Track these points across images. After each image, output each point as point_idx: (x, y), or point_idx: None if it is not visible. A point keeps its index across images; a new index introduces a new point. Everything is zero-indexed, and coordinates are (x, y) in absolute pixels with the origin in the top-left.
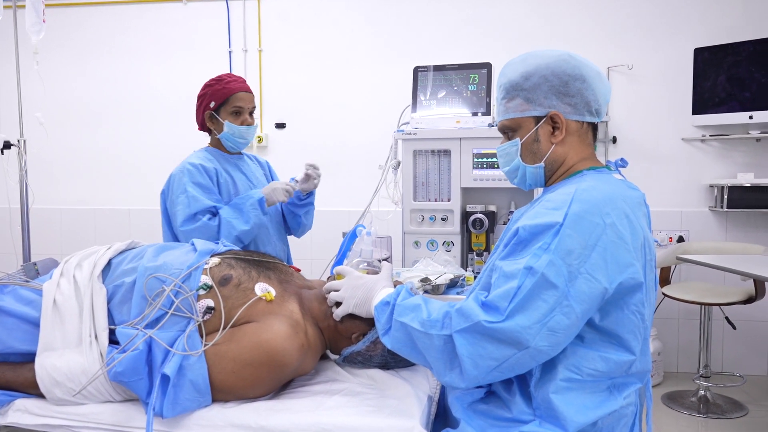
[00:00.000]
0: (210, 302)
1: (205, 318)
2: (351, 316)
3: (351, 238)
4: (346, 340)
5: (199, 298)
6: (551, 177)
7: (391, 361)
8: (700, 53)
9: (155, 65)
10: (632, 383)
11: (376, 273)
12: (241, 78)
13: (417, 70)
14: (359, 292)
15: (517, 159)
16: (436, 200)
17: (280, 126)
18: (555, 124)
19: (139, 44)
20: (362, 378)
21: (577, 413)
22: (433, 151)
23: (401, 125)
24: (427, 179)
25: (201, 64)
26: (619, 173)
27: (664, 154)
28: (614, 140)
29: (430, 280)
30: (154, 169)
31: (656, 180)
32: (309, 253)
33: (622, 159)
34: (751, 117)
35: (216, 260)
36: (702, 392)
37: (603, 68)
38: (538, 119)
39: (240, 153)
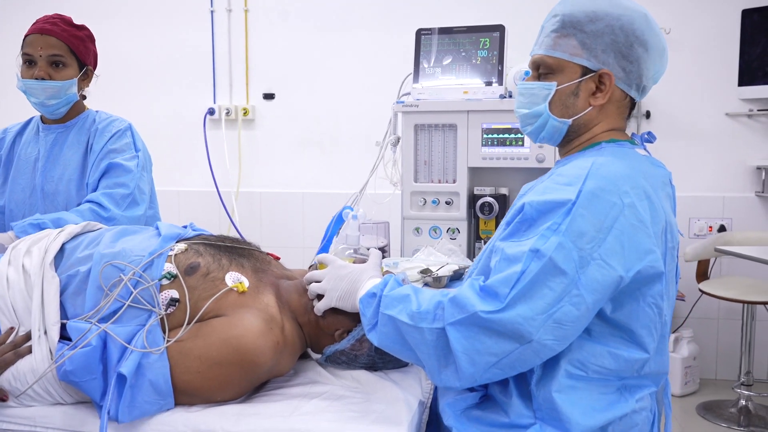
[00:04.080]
0: (174, 293)
1: (168, 311)
2: (334, 311)
3: (337, 222)
4: (328, 338)
5: (162, 288)
6: (571, 143)
7: (379, 362)
8: (748, 16)
9: (127, 26)
10: (646, 386)
11: (364, 261)
12: (53, 17)
13: (420, 34)
14: (343, 283)
15: (544, 105)
16: (439, 181)
17: (269, 97)
18: (601, 85)
19: (111, 4)
20: (346, 380)
21: (583, 415)
22: (437, 126)
23: (401, 96)
24: (431, 158)
25: (180, 26)
26: (644, 148)
27: (705, 131)
28: (648, 115)
29: (431, 272)
30: None
31: (695, 161)
32: (300, 241)
33: (649, 133)
34: None
35: (182, 246)
36: (743, 402)
37: None
38: (586, 71)
39: (59, 120)
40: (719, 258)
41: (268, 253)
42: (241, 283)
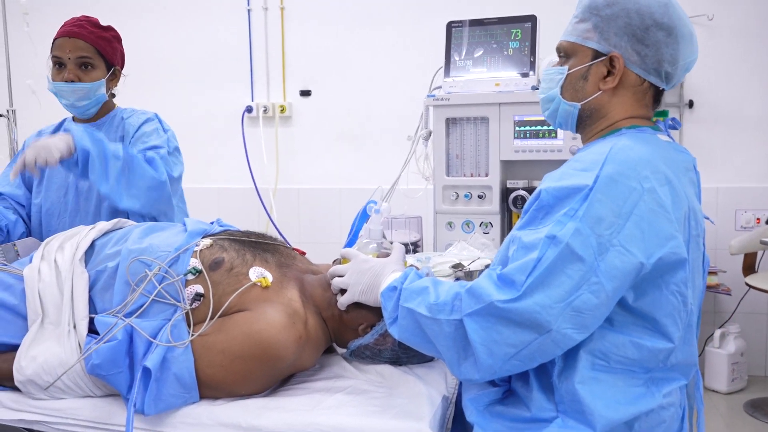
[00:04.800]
0: (199, 288)
1: (193, 306)
2: (357, 305)
3: (362, 217)
4: (352, 332)
5: (187, 283)
6: (589, 129)
7: (403, 356)
8: None
9: (164, 25)
10: (674, 379)
11: (387, 255)
12: (80, 19)
13: (450, 26)
14: (365, 277)
15: (557, 89)
16: (472, 175)
17: (305, 93)
18: (611, 69)
19: (148, 3)
20: (371, 374)
21: (607, 408)
22: (468, 119)
23: (433, 90)
24: (462, 151)
25: (216, 24)
26: (668, 135)
27: (751, 119)
28: (690, 104)
29: (462, 266)
30: None
31: (741, 150)
32: (337, 236)
33: (673, 119)
34: None
35: (208, 242)
36: None
37: None
38: (597, 55)
39: (90, 120)
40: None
41: (294, 248)
42: (264, 278)
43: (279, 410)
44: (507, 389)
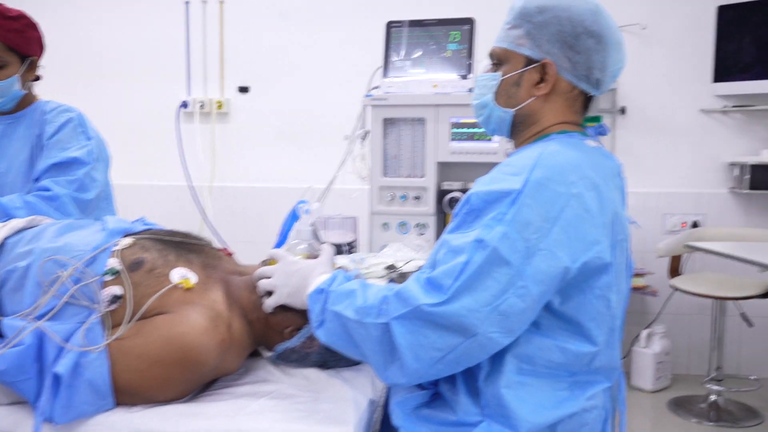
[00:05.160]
0: (117, 290)
1: (110, 308)
2: (284, 308)
3: (292, 217)
4: (279, 335)
5: (105, 285)
6: (521, 134)
7: (331, 360)
8: (724, 12)
9: (99, 17)
10: (598, 382)
11: (317, 257)
12: None
13: (390, 26)
14: (293, 279)
15: (490, 95)
16: (408, 176)
17: (244, 90)
18: (544, 75)
19: None
20: (297, 378)
21: (532, 412)
22: (405, 120)
23: (371, 90)
24: (399, 152)
25: (152, 16)
26: (597, 140)
27: (680, 127)
28: (623, 111)
29: (395, 267)
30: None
31: (670, 157)
32: (275, 236)
33: (602, 125)
34: None
35: (128, 241)
36: (713, 398)
37: None
38: (529, 61)
39: (8, 113)
40: (693, 254)
41: (220, 249)
42: (187, 279)
43: (199, 417)
44: (434, 392)
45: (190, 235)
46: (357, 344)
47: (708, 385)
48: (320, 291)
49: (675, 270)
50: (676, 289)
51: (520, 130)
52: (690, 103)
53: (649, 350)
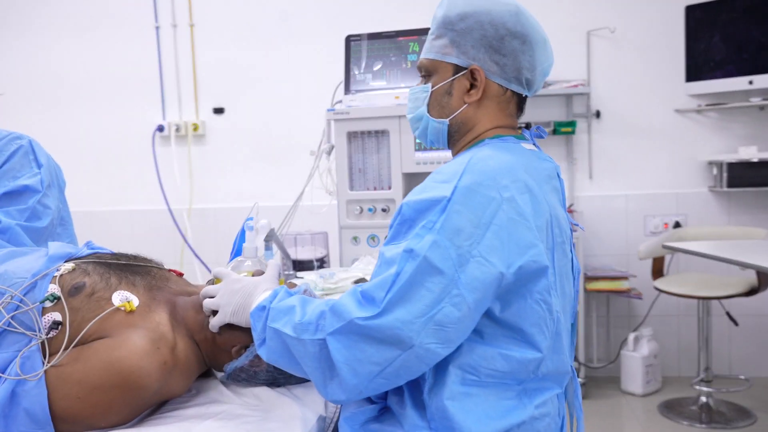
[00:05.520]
0: (57, 316)
1: (50, 335)
2: (230, 326)
3: (242, 235)
4: (227, 354)
5: (44, 311)
6: (458, 143)
7: (280, 377)
8: (692, 12)
9: (71, 43)
10: (548, 388)
11: (262, 273)
12: None
13: (349, 40)
14: (236, 297)
15: (424, 107)
16: (375, 189)
17: (218, 111)
18: (474, 81)
19: (53, 22)
20: (248, 398)
21: (477, 423)
22: (369, 133)
23: (335, 104)
24: (365, 165)
25: (124, 41)
26: (534, 143)
27: (656, 128)
28: (598, 114)
29: (365, 280)
30: (64, 159)
31: (648, 158)
32: None
33: (538, 127)
34: (751, 82)
35: (70, 266)
36: (703, 399)
37: (582, 33)
38: (457, 69)
39: None
40: (676, 255)
41: (170, 270)
42: (129, 302)
43: None
44: (383, 406)
45: (137, 257)
46: (297, 361)
47: (697, 387)
48: (262, 308)
49: (658, 272)
50: (660, 291)
51: (457, 139)
52: (664, 103)
53: (637, 354)
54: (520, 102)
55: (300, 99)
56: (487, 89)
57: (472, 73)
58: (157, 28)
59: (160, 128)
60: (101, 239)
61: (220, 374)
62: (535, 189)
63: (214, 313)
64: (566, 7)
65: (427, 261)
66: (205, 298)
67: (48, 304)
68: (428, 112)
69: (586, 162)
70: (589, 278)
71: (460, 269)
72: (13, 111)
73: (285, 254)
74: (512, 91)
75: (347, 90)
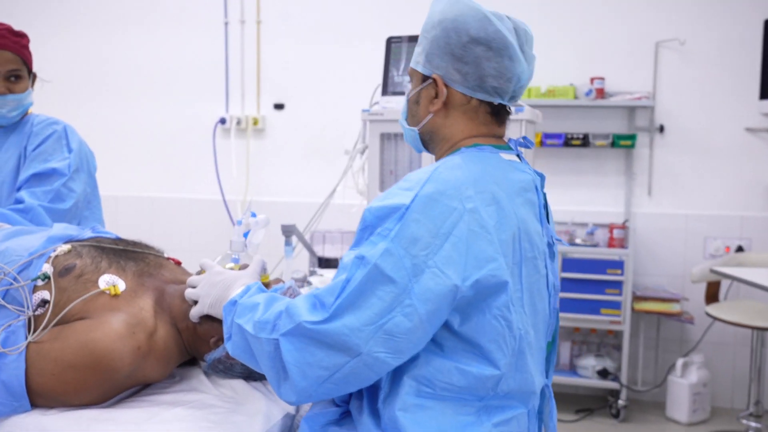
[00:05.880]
0: (46, 295)
1: (37, 312)
2: (210, 318)
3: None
4: (206, 345)
5: (36, 289)
6: (436, 151)
7: (255, 372)
8: None
9: (143, 39)
10: (511, 407)
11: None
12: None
13: (390, 42)
14: (215, 289)
15: (403, 115)
16: None
17: (279, 107)
18: (436, 90)
19: (126, 15)
20: (225, 389)
21: None
22: (401, 134)
23: (372, 105)
24: (396, 167)
25: (194, 37)
26: (518, 154)
27: (723, 146)
28: (661, 129)
29: None
30: (141, 151)
31: (712, 177)
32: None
33: (525, 137)
34: None
35: (66, 247)
36: None
37: (650, 43)
38: (425, 78)
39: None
40: (736, 281)
41: (169, 258)
42: (114, 285)
43: (108, 422)
44: (346, 410)
45: (139, 243)
46: (257, 359)
47: (745, 421)
48: (233, 303)
49: (712, 296)
50: (712, 317)
51: (433, 148)
52: (734, 121)
53: (685, 380)
54: (498, 110)
55: (350, 98)
56: (450, 98)
57: (434, 81)
58: (226, 23)
59: (222, 121)
60: (160, 224)
61: (203, 363)
62: (503, 201)
63: (196, 303)
64: (634, 17)
65: (378, 269)
66: (189, 287)
67: (39, 282)
68: (406, 119)
69: (645, 178)
70: (637, 298)
71: (414, 279)
72: (84, 101)
73: (309, 250)
74: (478, 99)
75: (384, 91)
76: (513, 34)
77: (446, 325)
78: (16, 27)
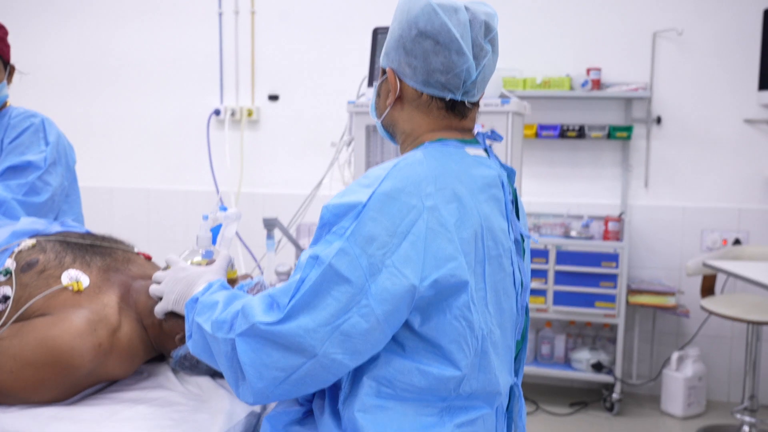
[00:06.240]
0: (7, 290)
1: None
2: (175, 314)
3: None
4: (172, 341)
5: None
6: (402, 145)
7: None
8: None
9: (138, 30)
10: (475, 407)
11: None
12: None
13: (376, 33)
14: (179, 286)
15: (371, 106)
16: None
17: (273, 98)
18: (390, 84)
19: (120, 7)
20: (191, 386)
21: None
22: None
23: (359, 96)
24: (382, 159)
25: (188, 27)
26: (486, 148)
27: (721, 138)
28: (658, 120)
29: None
30: (135, 142)
31: (710, 169)
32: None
33: (493, 131)
34: None
35: (31, 242)
36: (746, 429)
37: (647, 34)
38: (383, 71)
39: None
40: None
41: (139, 253)
42: (77, 281)
43: (68, 421)
44: (309, 409)
45: (107, 238)
46: (216, 359)
47: (739, 415)
48: (195, 300)
49: (708, 290)
50: (707, 311)
51: (399, 141)
52: (733, 112)
53: (680, 374)
54: (452, 105)
55: (344, 90)
56: (403, 93)
57: (389, 75)
58: (220, 14)
59: (217, 112)
60: (155, 216)
61: (170, 360)
62: (465, 198)
63: (161, 299)
64: (631, 6)
65: (333, 269)
66: (154, 283)
67: (1, 278)
68: (374, 111)
69: (642, 169)
70: (633, 291)
71: (371, 279)
72: (78, 93)
73: (294, 244)
74: (429, 94)
75: (370, 83)
76: (466, 27)
77: (407, 325)
78: (12, 21)
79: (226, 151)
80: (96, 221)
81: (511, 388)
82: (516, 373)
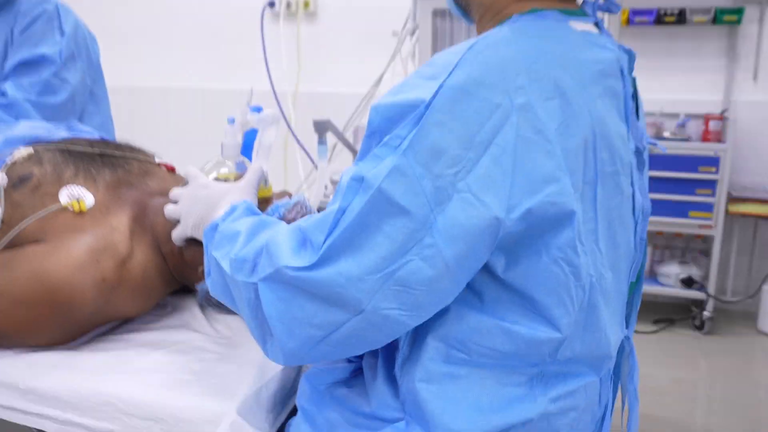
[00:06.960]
0: None
1: None
2: (196, 241)
3: (253, 129)
4: (195, 273)
5: None
6: (480, 21)
7: None
8: None
9: None
10: (577, 374)
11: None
12: None
13: None
14: (198, 206)
15: None
16: None
17: None
18: None
19: None
20: (221, 326)
21: (456, 418)
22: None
23: None
24: None
25: None
26: (596, 22)
27: None
28: None
29: None
30: (184, 39)
31: None
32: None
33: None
34: None
35: (26, 152)
36: None
37: None
38: None
39: None
40: None
41: (160, 163)
42: (79, 200)
43: (68, 370)
44: (359, 366)
45: (122, 146)
46: (237, 305)
47: None
48: (214, 227)
49: None
50: None
51: (475, 18)
52: None
53: None
54: None
55: None
56: None
57: None
58: None
59: (271, 3)
60: (205, 118)
61: (197, 294)
62: (571, 92)
63: (179, 222)
64: None
65: (384, 194)
66: (170, 203)
67: None
68: None
69: (751, 60)
70: (734, 199)
71: (437, 209)
72: None
73: (349, 148)
74: None
75: None
76: None
77: (487, 269)
78: None
79: (281, 46)
80: (133, 126)
81: (621, 343)
82: (627, 323)
